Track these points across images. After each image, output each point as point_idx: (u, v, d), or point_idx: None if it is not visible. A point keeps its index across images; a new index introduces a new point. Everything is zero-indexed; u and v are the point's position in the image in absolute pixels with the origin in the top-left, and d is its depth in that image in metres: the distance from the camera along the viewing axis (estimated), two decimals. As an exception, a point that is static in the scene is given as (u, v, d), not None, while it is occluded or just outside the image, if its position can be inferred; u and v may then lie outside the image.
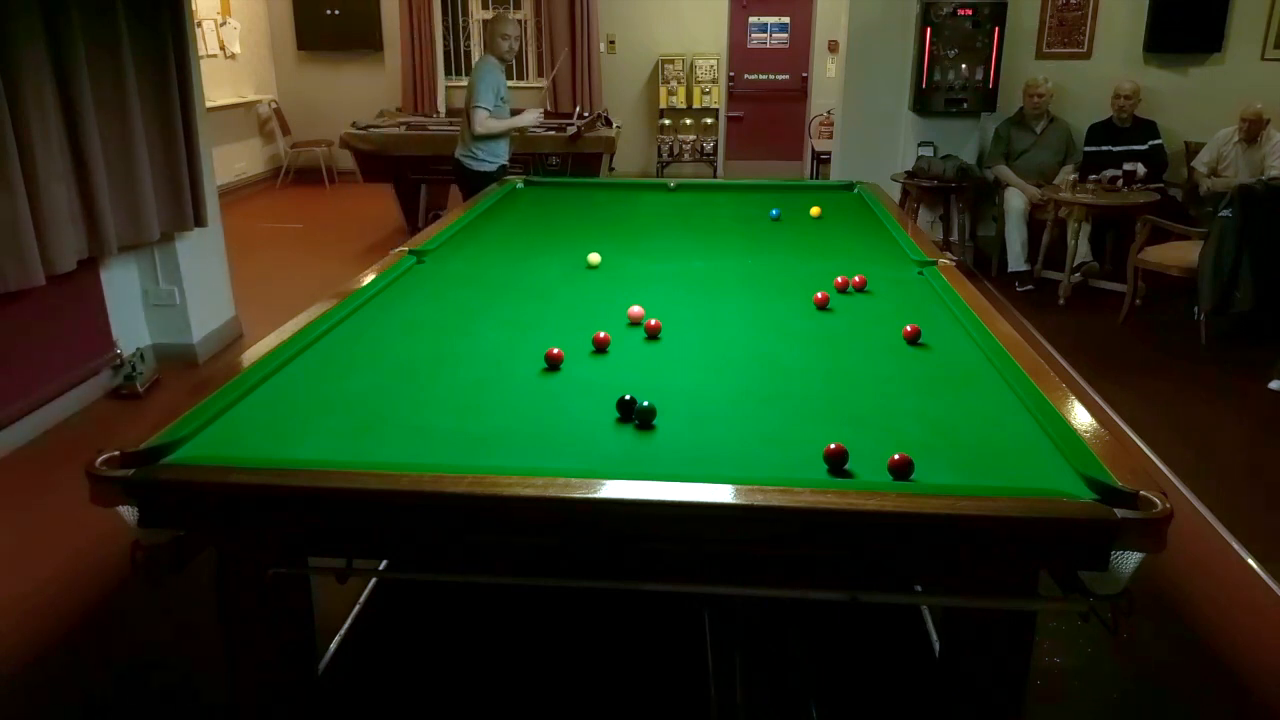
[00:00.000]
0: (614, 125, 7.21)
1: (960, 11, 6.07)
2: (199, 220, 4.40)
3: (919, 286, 2.77)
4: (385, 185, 7.17)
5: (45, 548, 2.97)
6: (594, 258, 2.95)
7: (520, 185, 4.31)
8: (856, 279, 2.71)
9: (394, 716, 2.26)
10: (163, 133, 4.14)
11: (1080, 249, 5.65)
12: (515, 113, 5.06)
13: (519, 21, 4.93)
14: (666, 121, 9.76)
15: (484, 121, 4.72)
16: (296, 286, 5.14)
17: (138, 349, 4.26)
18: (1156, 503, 1.42)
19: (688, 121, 9.81)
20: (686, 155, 9.82)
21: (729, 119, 9.85)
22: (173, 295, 4.50)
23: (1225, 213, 4.71)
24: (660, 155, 9.82)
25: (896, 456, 1.58)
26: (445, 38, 9.75)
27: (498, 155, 4.90)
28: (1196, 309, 4.94)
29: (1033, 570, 1.58)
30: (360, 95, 9.28)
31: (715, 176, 9.64)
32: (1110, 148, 5.97)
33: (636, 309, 2.39)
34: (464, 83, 9.93)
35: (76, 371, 3.93)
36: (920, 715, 2.20)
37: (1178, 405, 4.14)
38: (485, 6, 9.75)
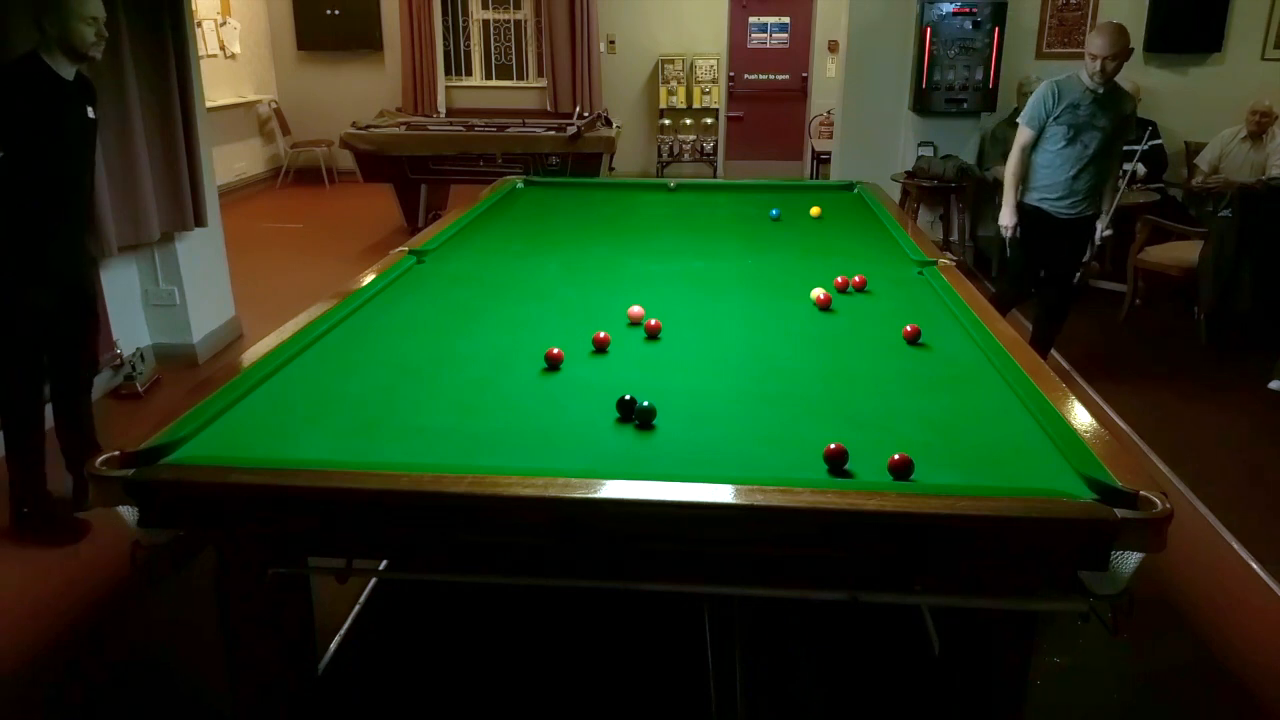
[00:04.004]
0: (614, 125, 7.21)
1: (960, 11, 6.07)
2: (199, 220, 4.40)
3: (919, 286, 2.77)
4: (385, 185, 7.17)
5: (45, 547, 2.97)
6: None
7: (520, 185, 4.31)
8: (856, 279, 2.71)
9: (394, 716, 2.26)
10: (163, 133, 4.14)
11: (1080, 249, 5.63)
12: (1079, 129, 3.74)
13: (1120, 28, 3.67)
14: (666, 121, 9.76)
15: (1015, 144, 3.92)
16: (296, 286, 5.13)
17: (137, 349, 4.26)
18: (1156, 503, 1.43)
19: (688, 121, 9.81)
20: (686, 155, 9.81)
21: (729, 119, 9.85)
22: (173, 295, 4.50)
23: (1225, 213, 4.72)
24: (660, 155, 9.81)
25: (896, 456, 1.58)
26: (445, 38, 9.74)
27: (1035, 189, 3.92)
28: (1196, 309, 4.94)
29: (1033, 570, 1.58)
30: (360, 95, 9.28)
31: (715, 176, 9.63)
32: (1110, 148, 5.95)
33: (636, 309, 2.39)
34: (463, 82, 10.08)
35: (76, 371, 3.91)
36: (920, 715, 2.20)
37: (1178, 405, 4.14)
38: (485, 6, 9.75)
